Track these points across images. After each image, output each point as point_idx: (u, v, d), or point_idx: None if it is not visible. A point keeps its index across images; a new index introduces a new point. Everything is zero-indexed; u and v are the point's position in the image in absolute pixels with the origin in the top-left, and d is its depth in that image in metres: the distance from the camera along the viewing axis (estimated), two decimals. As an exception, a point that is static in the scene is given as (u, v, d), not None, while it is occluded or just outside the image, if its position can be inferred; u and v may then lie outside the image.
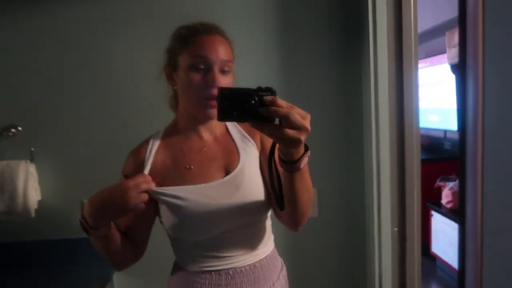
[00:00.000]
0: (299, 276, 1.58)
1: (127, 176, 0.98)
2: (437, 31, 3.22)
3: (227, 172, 0.97)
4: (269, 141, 0.97)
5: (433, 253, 3.33)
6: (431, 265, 3.38)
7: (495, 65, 0.32)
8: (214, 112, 0.90)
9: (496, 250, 0.35)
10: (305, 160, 0.80)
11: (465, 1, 0.32)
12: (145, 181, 0.91)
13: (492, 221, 0.35)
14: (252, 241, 1.00)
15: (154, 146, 1.01)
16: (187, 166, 0.97)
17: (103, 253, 0.98)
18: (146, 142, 1.03)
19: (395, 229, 1.37)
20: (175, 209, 0.94)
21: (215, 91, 0.89)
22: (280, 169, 0.85)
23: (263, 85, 0.74)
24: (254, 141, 1.02)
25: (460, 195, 0.37)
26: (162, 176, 0.97)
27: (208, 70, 0.91)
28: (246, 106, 0.72)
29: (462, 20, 0.33)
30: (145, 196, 0.90)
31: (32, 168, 1.50)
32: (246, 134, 1.02)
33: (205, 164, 0.97)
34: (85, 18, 1.49)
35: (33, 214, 1.49)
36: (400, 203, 1.37)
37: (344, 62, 1.53)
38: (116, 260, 0.99)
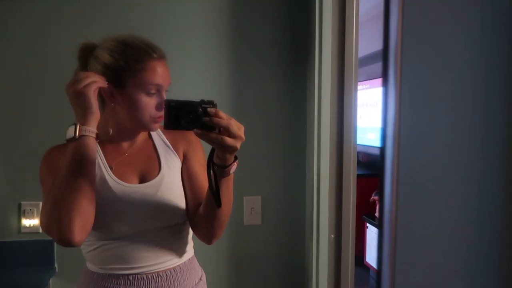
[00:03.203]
0: (240, 282, 1.64)
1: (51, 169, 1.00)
2: (377, 57, 3.49)
3: (144, 178, 1.04)
4: (194, 153, 1.10)
5: (367, 263, 3.54)
6: (365, 275, 3.59)
7: (411, 86, 0.41)
8: (158, 126, 1.02)
9: (408, 252, 0.43)
10: (234, 166, 0.93)
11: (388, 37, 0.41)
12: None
13: (405, 226, 0.43)
14: (167, 246, 1.04)
15: None
16: (110, 166, 1.03)
17: (75, 189, 0.88)
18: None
19: (332, 236, 1.48)
20: (99, 199, 0.95)
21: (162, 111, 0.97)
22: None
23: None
24: (177, 152, 1.09)
25: (380, 204, 0.45)
26: None
27: (158, 94, 0.99)
28: (192, 116, 0.83)
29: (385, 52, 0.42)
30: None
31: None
32: (170, 145, 1.10)
33: (124, 167, 1.03)
34: (26, 15, 1.47)
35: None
36: (337, 211, 1.48)
37: (291, 79, 1.64)
38: (85, 205, 0.90)
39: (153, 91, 0.98)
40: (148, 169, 1.05)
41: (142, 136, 1.09)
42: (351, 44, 1.48)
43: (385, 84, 0.42)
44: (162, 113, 0.97)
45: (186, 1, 1.55)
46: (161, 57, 1.01)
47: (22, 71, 1.48)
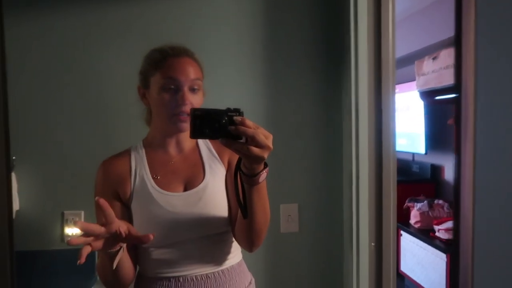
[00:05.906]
0: (278, 290, 1.61)
1: (105, 186, 1.03)
2: (406, 60, 3.42)
3: (188, 186, 1.04)
4: (236, 160, 1.06)
5: (402, 271, 3.43)
6: (400, 283, 3.48)
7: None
8: (184, 126, 1.00)
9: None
10: (263, 175, 0.88)
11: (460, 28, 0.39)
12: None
13: (483, 252, 0.41)
14: (212, 252, 1.05)
15: (142, 156, 1.07)
16: (155, 176, 1.04)
17: (114, 272, 0.94)
18: (126, 154, 1.08)
19: (372, 244, 1.43)
20: (144, 211, 1.01)
21: (185, 108, 0.98)
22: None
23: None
24: (222, 160, 1.09)
25: (455, 230, 0.43)
26: None
27: (178, 90, 1.00)
28: (217, 125, 0.80)
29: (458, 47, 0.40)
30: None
31: (11, 177, 1.47)
32: (215, 153, 1.10)
33: (169, 176, 1.04)
34: (72, 30, 1.51)
35: (10, 224, 1.46)
36: (377, 218, 1.44)
37: (326, 84, 1.62)
38: (126, 276, 0.99)
39: (171, 86, 0.99)
40: (192, 177, 1.06)
41: (190, 145, 1.10)
42: (387, 46, 1.45)
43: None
44: (183, 109, 0.99)
45: (220, 10, 1.56)
46: (179, 54, 1.03)
47: (71, 86, 1.52)
